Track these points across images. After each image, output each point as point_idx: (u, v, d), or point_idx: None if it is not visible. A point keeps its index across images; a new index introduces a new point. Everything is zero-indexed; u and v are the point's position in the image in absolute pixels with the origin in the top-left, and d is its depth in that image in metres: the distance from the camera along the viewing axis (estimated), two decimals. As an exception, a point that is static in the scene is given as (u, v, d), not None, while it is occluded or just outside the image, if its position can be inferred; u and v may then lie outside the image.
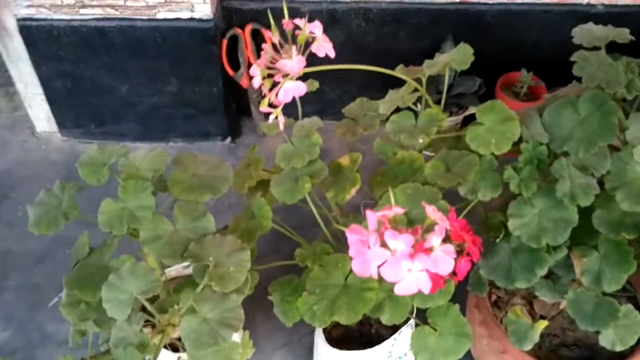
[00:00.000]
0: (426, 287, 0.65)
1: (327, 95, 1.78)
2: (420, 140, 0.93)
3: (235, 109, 1.83)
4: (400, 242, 0.64)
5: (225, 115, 1.77)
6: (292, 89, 0.77)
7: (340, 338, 1.19)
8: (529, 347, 1.01)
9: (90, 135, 1.84)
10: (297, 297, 0.98)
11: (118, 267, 0.88)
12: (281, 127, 0.85)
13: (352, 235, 0.68)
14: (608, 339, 0.96)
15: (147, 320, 0.88)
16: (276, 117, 0.82)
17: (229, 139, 1.83)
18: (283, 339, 1.39)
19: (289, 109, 0.88)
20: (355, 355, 1.13)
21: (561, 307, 1.14)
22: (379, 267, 0.65)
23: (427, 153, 1.08)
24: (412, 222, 0.92)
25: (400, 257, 0.64)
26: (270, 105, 0.85)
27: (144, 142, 1.85)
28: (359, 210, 1.27)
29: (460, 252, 0.89)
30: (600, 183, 0.91)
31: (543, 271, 0.94)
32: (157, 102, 1.74)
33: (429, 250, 0.66)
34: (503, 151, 0.92)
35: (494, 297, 1.19)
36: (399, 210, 0.68)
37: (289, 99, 0.78)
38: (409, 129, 0.96)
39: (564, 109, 0.94)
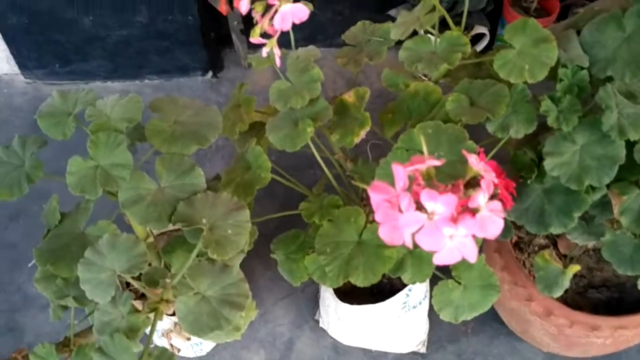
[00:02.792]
0: (473, 254, 0.54)
1: (316, 18, 1.61)
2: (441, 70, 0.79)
3: (214, 39, 1.65)
4: (440, 204, 0.52)
5: (203, 47, 1.59)
6: (291, 13, 0.62)
7: (349, 290, 1.10)
8: (559, 294, 0.92)
9: (56, 76, 1.66)
10: (304, 255, 0.87)
11: (96, 234, 0.75)
12: (278, 61, 0.70)
13: (377, 194, 0.56)
14: (648, 284, 0.87)
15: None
16: (270, 50, 0.68)
17: (210, 74, 1.67)
18: (285, 289, 1.29)
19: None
20: (367, 309, 1.04)
21: (589, 245, 1.04)
22: (413, 234, 0.53)
23: (441, 81, 0.95)
24: (435, 167, 0.80)
25: (441, 222, 0.52)
26: (263, 35, 0.70)
27: (116, 81, 1.68)
28: (364, 151, 1.14)
29: (492, 198, 0.78)
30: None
31: (581, 213, 0.83)
32: (127, 35, 1.56)
33: (475, 211, 0.53)
34: (538, 79, 0.78)
35: (514, 238, 1.09)
36: (434, 162, 0.55)
37: (287, 27, 0.63)
38: (427, 57, 0.82)
39: (606, 25, 0.80)
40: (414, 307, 1.09)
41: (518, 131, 0.79)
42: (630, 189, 0.83)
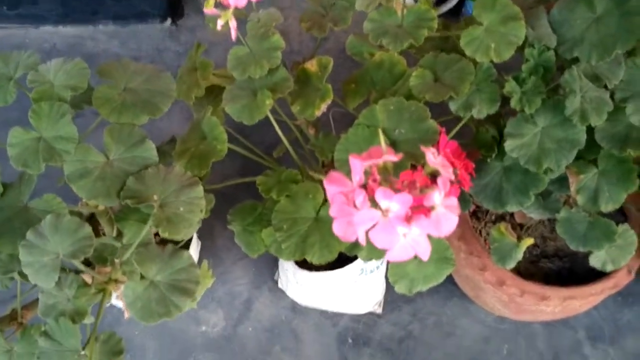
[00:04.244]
0: (425, 252, 0.53)
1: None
2: (406, 45, 0.76)
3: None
4: (395, 203, 0.51)
5: (162, -9, 1.51)
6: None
7: (308, 255, 1.10)
8: (512, 265, 0.93)
9: (4, 19, 1.55)
10: (261, 228, 0.86)
11: (41, 208, 0.72)
12: (234, 35, 0.66)
13: (332, 186, 0.54)
14: (599, 260, 0.89)
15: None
16: (226, 23, 0.63)
17: (169, 21, 1.58)
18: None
19: None
20: (325, 275, 1.04)
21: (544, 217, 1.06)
22: (367, 231, 0.52)
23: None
24: (395, 145, 0.78)
25: (395, 221, 0.51)
26: (217, 4, 0.66)
27: (68, 26, 1.59)
28: (327, 119, 1.11)
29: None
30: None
31: (538, 192, 0.83)
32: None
33: (430, 209, 0.52)
34: (504, 59, 0.76)
35: (472, 207, 1.10)
36: (391, 157, 0.54)
37: (242, 3, 0.59)
38: (393, 31, 0.78)
39: (576, 4, 0.77)
40: (371, 271, 1.10)
41: (480, 111, 0.78)
42: (588, 168, 0.84)
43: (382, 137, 0.56)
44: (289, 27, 1.60)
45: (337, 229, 0.54)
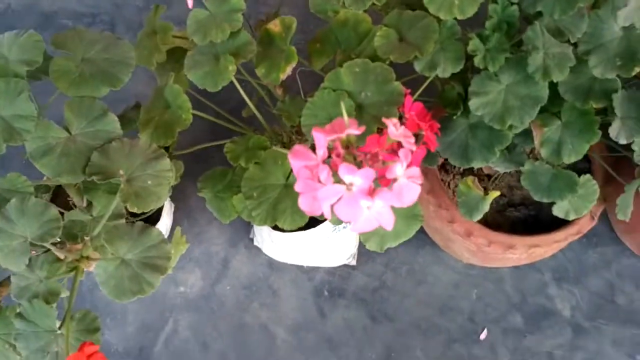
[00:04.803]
0: (389, 222, 0.54)
1: None
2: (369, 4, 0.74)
3: None
4: (359, 177, 0.51)
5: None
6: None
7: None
8: (478, 217, 0.96)
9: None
10: (231, 194, 0.86)
11: (5, 188, 0.71)
12: (190, 3, 0.64)
13: (297, 160, 0.54)
14: (562, 209, 0.92)
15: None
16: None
17: (126, -26, 1.52)
18: (218, 209, 1.29)
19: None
20: (299, 235, 1.06)
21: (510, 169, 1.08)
22: (332, 205, 0.52)
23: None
24: (361, 108, 0.78)
25: (359, 195, 0.52)
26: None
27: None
28: (294, 79, 1.09)
29: (416, 139, 0.78)
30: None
31: (502, 148, 0.85)
32: None
33: (392, 180, 0.53)
34: (468, 15, 0.76)
35: (440, 160, 1.12)
36: (354, 131, 0.54)
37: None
38: (354, -10, 0.76)
39: (540, -45, 0.76)
40: (344, 227, 1.12)
41: (445, 70, 0.78)
42: (552, 120, 0.85)
43: (344, 110, 0.55)
44: None
45: (303, 203, 0.54)
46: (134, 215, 1.06)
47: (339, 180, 0.52)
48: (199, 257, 1.26)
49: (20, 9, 1.48)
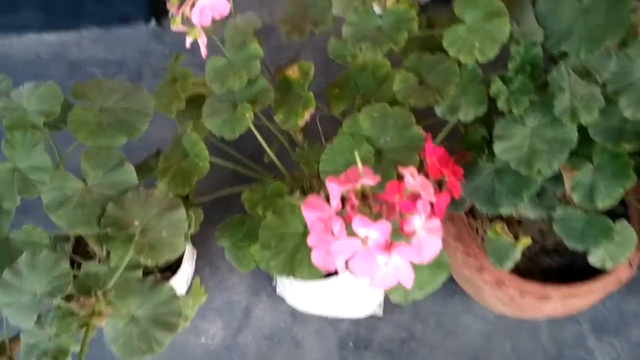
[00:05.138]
0: (408, 279, 0.51)
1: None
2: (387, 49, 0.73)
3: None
4: (374, 231, 0.48)
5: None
6: (211, 7, 0.55)
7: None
8: (510, 266, 0.91)
9: (-14, 30, 1.53)
10: (250, 243, 0.84)
11: (21, 239, 0.70)
12: (204, 52, 0.64)
13: (310, 212, 0.52)
14: (598, 258, 0.87)
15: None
16: (195, 41, 0.61)
17: (153, 22, 1.55)
18: (240, 256, 1.27)
19: None
20: (321, 284, 1.02)
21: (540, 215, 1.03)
22: (347, 260, 0.50)
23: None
24: (380, 153, 0.76)
25: (374, 250, 0.49)
26: (185, 20, 0.63)
27: (52, 32, 1.56)
28: (315, 124, 1.09)
29: (439, 186, 0.75)
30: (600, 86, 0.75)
31: (531, 193, 0.81)
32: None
33: (411, 234, 0.50)
34: (489, 57, 0.73)
35: (468, 205, 1.08)
36: (368, 181, 0.51)
37: (207, 22, 0.56)
38: (372, 35, 0.75)
39: (563, -5, 0.74)
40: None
41: (467, 114, 0.75)
42: (583, 163, 0.82)
43: (358, 159, 0.53)
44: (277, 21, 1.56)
45: (316, 258, 0.52)
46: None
47: (353, 234, 0.50)
48: (220, 306, 1.23)
49: (49, 58, 1.52)
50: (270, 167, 0.96)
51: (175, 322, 0.62)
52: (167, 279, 1.02)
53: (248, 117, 0.77)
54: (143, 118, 0.77)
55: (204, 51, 0.66)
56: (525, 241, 0.92)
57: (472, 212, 1.08)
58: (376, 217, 0.51)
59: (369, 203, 0.52)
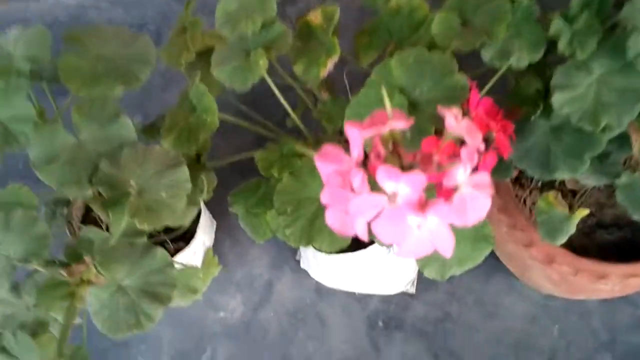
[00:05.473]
0: (447, 247, 0.41)
1: None
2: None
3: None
4: (404, 185, 0.38)
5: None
6: None
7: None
8: (563, 241, 0.79)
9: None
10: (265, 210, 0.75)
11: (4, 201, 0.62)
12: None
13: (326, 164, 0.42)
14: (667, 232, 0.75)
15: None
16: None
17: (175, -18, 1.46)
18: (262, 228, 1.18)
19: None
20: (347, 257, 0.93)
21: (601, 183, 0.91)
22: (369, 222, 0.40)
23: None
24: (415, 106, 0.65)
25: (405, 209, 0.39)
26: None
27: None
28: (341, 78, 0.98)
29: (485, 144, 0.64)
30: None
31: (594, 155, 0.69)
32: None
33: (452, 190, 0.40)
34: (549, -10, 0.61)
35: (515, 173, 0.96)
36: (399, 123, 0.41)
37: None
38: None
39: None
40: (401, 250, 0.98)
41: (521, 59, 0.63)
42: (655, 122, 0.69)
43: (386, 97, 0.43)
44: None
45: (331, 219, 0.42)
46: (168, 231, 0.97)
47: (378, 189, 0.40)
48: (240, 280, 1.15)
49: (68, 21, 1.46)
50: (294, 132, 0.86)
51: (168, 294, 0.53)
52: (180, 249, 0.94)
53: (262, 65, 0.67)
54: (144, 66, 0.68)
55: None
56: (582, 212, 0.79)
57: (519, 181, 0.96)
58: (408, 168, 0.41)
59: (399, 152, 0.41)
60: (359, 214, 0.39)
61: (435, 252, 0.78)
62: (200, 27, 0.78)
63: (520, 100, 0.70)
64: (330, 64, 0.70)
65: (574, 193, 0.95)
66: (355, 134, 0.41)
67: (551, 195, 0.80)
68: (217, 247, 1.17)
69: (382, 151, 0.41)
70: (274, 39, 0.69)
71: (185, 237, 0.98)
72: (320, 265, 1.03)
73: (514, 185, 0.94)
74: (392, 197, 0.39)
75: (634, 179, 0.74)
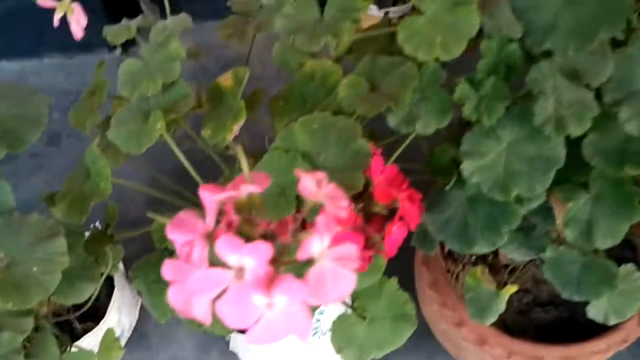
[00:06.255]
0: (305, 329, 0.35)
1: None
2: (323, 44, 0.59)
3: (121, 10, 1.43)
4: (248, 258, 0.33)
5: (107, 19, 1.37)
6: None
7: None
8: (492, 320, 0.74)
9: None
10: (164, 287, 0.68)
11: None
12: (78, 33, 0.50)
13: (176, 234, 0.37)
14: (599, 311, 0.70)
15: None
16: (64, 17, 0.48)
17: (118, 50, 1.44)
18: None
19: None
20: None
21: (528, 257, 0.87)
22: (213, 301, 0.34)
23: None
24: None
25: (249, 286, 0.33)
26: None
27: (12, 60, 1.46)
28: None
29: (391, 215, 0.59)
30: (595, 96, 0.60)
31: (512, 228, 0.65)
32: (14, 5, 1.33)
33: (308, 262, 0.35)
34: (454, 55, 0.59)
35: (447, 247, 0.91)
36: (252, 188, 0.36)
37: None
38: (309, 27, 0.62)
39: (545, -18, 0.61)
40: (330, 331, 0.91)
41: (427, 125, 0.61)
42: (577, 193, 0.66)
43: (244, 160, 0.38)
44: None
45: (174, 297, 0.36)
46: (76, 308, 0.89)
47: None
48: (163, 363, 1.06)
49: (4, 87, 1.42)
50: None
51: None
52: (88, 330, 0.86)
53: (159, 128, 0.62)
54: (34, 128, 0.63)
55: (78, 33, 0.53)
56: (511, 289, 0.75)
57: (451, 255, 0.91)
58: (263, 238, 0.36)
59: (254, 221, 0.36)
60: (199, 291, 0.34)
61: (351, 334, 0.72)
62: (107, 89, 0.75)
63: (434, 168, 0.67)
64: (236, 129, 0.66)
65: (511, 269, 0.90)
66: (209, 199, 0.37)
67: (479, 270, 0.75)
68: (140, 326, 1.08)
69: (234, 218, 0.36)
70: (176, 100, 0.66)
71: (96, 316, 0.90)
72: (248, 349, 0.95)
73: (446, 259, 0.89)
74: (239, 273, 0.34)
75: (559, 253, 0.70)
